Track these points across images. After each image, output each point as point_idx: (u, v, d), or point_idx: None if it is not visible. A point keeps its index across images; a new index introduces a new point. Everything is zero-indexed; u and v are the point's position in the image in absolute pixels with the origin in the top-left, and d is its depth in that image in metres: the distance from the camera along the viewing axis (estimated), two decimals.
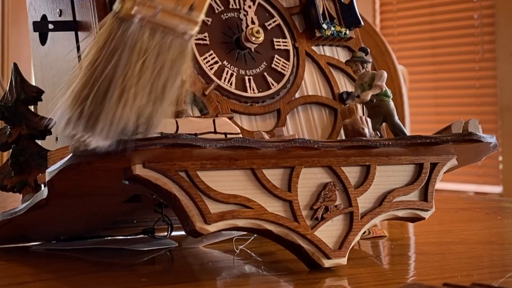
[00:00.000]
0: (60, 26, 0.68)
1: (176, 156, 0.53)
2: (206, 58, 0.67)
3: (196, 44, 0.67)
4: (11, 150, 0.70)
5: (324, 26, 0.73)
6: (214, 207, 0.54)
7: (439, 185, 0.66)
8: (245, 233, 0.66)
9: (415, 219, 0.65)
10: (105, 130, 0.49)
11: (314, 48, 0.73)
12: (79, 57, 0.65)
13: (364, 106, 0.68)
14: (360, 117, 0.64)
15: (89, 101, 0.49)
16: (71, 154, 0.52)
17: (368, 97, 0.66)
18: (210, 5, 0.69)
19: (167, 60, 0.52)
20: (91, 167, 0.52)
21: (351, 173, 0.61)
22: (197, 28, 0.54)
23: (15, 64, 0.71)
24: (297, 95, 0.70)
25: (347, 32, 0.74)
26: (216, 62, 0.67)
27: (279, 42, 0.71)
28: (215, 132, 0.56)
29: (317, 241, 0.57)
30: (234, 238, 0.67)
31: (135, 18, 0.51)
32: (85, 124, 0.49)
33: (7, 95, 0.70)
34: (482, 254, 0.68)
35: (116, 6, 0.52)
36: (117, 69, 0.50)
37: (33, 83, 0.72)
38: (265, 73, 0.69)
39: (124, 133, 0.50)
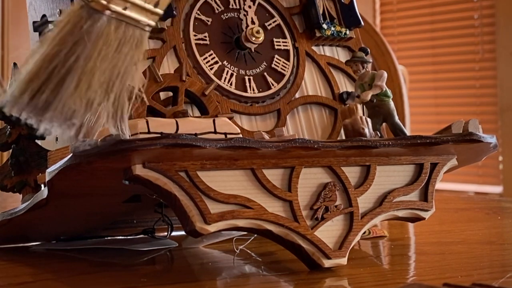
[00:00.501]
0: None
1: (176, 156, 0.53)
2: (206, 58, 0.67)
3: (196, 44, 0.67)
4: (11, 150, 0.70)
5: (324, 26, 0.73)
6: (214, 207, 0.54)
7: (439, 185, 0.66)
8: (245, 233, 0.66)
9: (415, 219, 0.65)
10: (54, 117, 0.49)
11: (314, 48, 0.73)
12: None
13: (364, 106, 0.68)
14: (360, 117, 0.64)
15: (44, 87, 0.49)
16: (71, 154, 0.52)
17: (368, 97, 0.66)
18: (210, 5, 0.69)
19: (125, 51, 0.52)
20: (91, 167, 0.52)
21: (351, 173, 0.61)
22: (156, 20, 0.54)
23: (15, 64, 0.71)
24: (297, 95, 0.70)
25: (347, 32, 0.74)
26: (216, 62, 0.67)
27: (279, 42, 0.71)
28: (215, 132, 0.56)
29: (317, 241, 0.57)
30: (234, 238, 0.67)
31: (106, 11, 0.51)
32: (34, 108, 0.49)
33: None
34: (482, 254, 0.68)
35: None
36: (78, 60, 0.50)
37: None
38: (265, 73, 0.69)
39: (70, 121, 0.50)
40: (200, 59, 0.66)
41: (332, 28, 0.73)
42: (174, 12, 0.66)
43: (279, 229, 0.57)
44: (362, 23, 0.75)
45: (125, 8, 0.52)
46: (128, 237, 0.75)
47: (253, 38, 0.68)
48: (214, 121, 0.56)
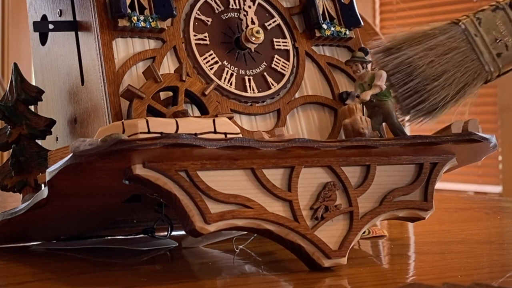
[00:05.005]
0: (60, 26, 0.68)
1: (176, 156, 0.53)
2: (206, 58, 0.67)
3: (196, 44, 0.67)
4: (11, 150, 0.70)
5: (324, 26, 0.73)
6: (214, 207, 0.54)
7: (439, 185, 0.66)
8: (245, 233, 0.66)
9: (415, 219, 0.65)
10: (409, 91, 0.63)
11: (314, 48, 0.73)
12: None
13: (364, 106, 0.68)
14: (360, 117, 0.64)
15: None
16: (71, 154, 0.52)
17: (368, 97, 0.66)
18: (210, 5, 0.69)
19: (464, 68, 0.66)
20: (91, 167, 0.52)
21: (351, 173, 0.61)
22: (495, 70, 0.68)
23: (15, 64, 0.71)
24: (297, 95, 0.70)
25: (347, 32, 0.74)
26: (216, 62, 0.67)
27: (279, 42, 0.71)
28: (215, 132, 0.56)
29: (317, 241, 0.57)
30: (234, 238, 0.67)
31: (461, 25, 0.68)
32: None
33: (7, 95, 0.70)
34: (482, 254, 0.68)
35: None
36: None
37: (33, 83, 0.72)
38: (265, 73, 0.69)
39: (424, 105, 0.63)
40: (200, 59, 0.67)
41: (332, 28, 0.73)
42: (174, 12, 0.66)
43: (279, 229, 0.57)
44: (362, 23, 0.75)
45: (475, 35, 0.65)
46: (128, 237, 0.75)
47: (253, 38, 0.68)
48: (214, 121, 0.56)
